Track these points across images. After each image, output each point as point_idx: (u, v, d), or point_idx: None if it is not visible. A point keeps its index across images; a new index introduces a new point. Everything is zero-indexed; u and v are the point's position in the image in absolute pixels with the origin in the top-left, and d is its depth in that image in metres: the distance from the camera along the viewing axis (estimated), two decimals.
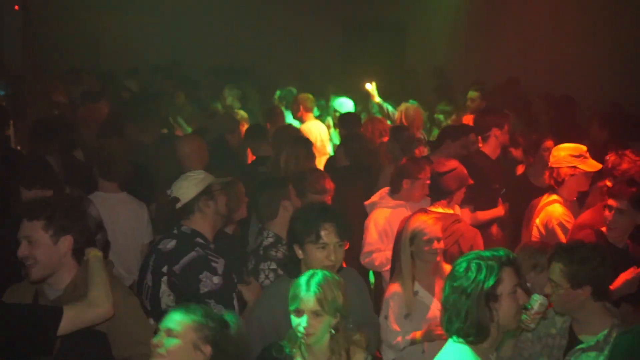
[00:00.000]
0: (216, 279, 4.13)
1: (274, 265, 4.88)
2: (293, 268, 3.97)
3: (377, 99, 9.93)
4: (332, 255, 3.85)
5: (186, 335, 3.16)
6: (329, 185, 5.82)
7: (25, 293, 3.66)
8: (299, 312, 3.40)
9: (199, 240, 4.29)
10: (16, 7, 13.29)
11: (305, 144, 6.93)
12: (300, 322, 3.39)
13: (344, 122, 8.57)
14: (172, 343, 3.14)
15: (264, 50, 14.55)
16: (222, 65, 13.14)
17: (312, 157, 6.90)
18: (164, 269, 4.23)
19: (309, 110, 9.43)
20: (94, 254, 3.67)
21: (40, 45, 12.79)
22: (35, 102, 9.31)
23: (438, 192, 5.55)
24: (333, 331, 3.42)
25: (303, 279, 3.45)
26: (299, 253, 3.93)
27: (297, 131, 8.18)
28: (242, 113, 9.65)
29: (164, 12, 14.62)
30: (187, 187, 4.38)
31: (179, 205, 4.35)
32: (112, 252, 5.35)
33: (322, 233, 3.85)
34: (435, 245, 4.73)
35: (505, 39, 13.15)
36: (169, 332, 3.17)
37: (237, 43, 14.58)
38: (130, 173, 5.99)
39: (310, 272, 3.49)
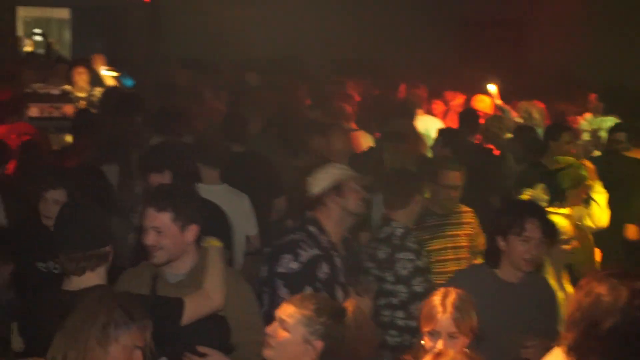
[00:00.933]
0: (295, 265, 4.20)
1: (411, 256, 4.91)
2: (493, 259, 4.13)
3: (498, 100, 9.71)
4: (533, 251, 4.01)
5: (296, 329, 3.14)
6: (459, 179, 5.73)
7: (143, 276, 3.73)
8: (434, 334, 3.35)
9: (311, 228, 4.35)
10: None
11: (410, 138, 6.89)
12: (435, 344, 3.32)
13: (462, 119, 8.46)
14: (282, 336, 3.14)
15: (379, 47, 14.46)
16: (343, 59, 13.12)
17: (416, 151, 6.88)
18: None
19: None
20: (213, 243, 3.73)
21: (166, 38, 13.13)
22: (159, 90, 9.53)
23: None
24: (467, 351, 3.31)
25: (437, 299, 3.39)
26: (502, 245, 4.07)
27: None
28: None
29: (287, 4, 14.74)
30: (319, 179, 4.43)
31: (310, 194, 4.44)
32: None
33: (527, 227, 4.00)
34: None
35: None
36: (282, 323, 3.17)
37: (354, 38, 14.55)
38: (231, 162, 5.99)
39: (443, 290, 3.45)
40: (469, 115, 8.57)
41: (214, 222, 4.78)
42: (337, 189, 4.37)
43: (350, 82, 10.46)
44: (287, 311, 3.18)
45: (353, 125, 8.21)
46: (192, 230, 3.63)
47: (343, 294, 4.26)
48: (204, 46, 13.77)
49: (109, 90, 8.81)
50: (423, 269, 4.97)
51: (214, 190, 5.64)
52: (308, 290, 4.15)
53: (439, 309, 3.34)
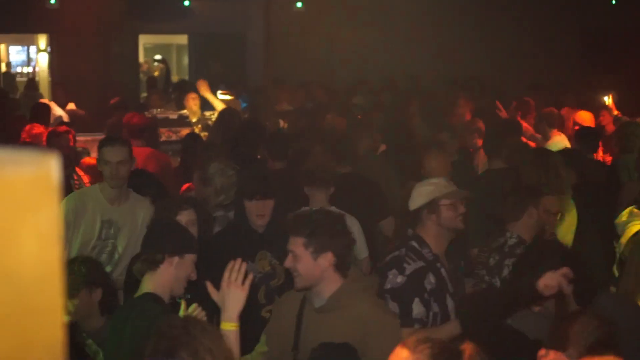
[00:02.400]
0: (400, 279, 4.21)
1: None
2: None
3: (615, 111, 9.34)
4: None
5: None
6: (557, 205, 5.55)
7: (295, 299, 3.82)
8: None
9: (413, 243, 4.35)
10: None
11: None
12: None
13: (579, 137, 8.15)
14: None
15: (494, 61, 14.24)
16: (456, 77, 12.98)
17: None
18: None
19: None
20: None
21: (279, 59, 13.34)
22: (266, 112, 9.69)
23: None
24: None
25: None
26: None
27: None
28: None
29: (398, 26, 14.74)
30: (414, 197, 4.44)
31: (409, 209, 4.45)
32: None
33: None
34: None
35: None
36: None
37: (467, 54, 14.38)
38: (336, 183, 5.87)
39: None
40: (588, 133, 8.26)
41: None
42: (430, 205, 4.35)
43: (463, 101, 10.28)
44: (401, 356, 3.01)
45: (479, 142, 8.05)
46: (327, 258, 3.60)
47: (453, 303, 4.28)
48: (317, 69, 13.92)
49: (222, 114, 8.96)
50: None
51: None
52: (417, 302, 4.16)
53: None
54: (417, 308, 4.19)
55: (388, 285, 4.22)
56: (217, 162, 5.72)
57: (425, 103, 10.90)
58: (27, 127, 8.24)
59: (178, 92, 12.53)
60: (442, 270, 4.35)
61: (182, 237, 3.80)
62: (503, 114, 10.01)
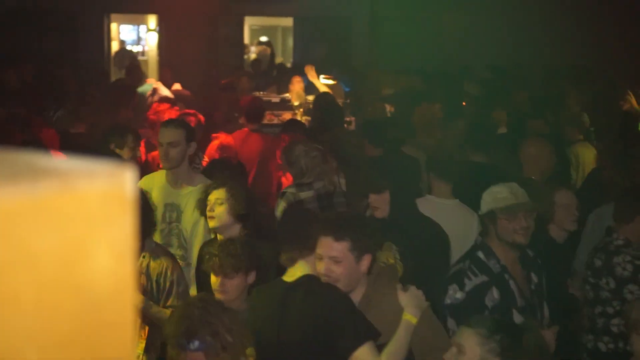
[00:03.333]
0: (460, 294, 4.07)
1: (629, 258, 4.76)
2: None
3: None
4: None
5: (473, 351, 3.13)
6: None
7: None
8: None
9: (480, 254, 4.18)
10: None
11: None
12: None
13: None
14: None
15: (604, 50, 13.73)
16: (563, 65, 12.59)
17: None
18: None
19: None
20: (409, 318, 3.60)
21: (385, 43, 13.24)
22: (369, 97, 9.62)
23: None
24: None
25: None
26: None
27: None
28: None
29: (505, 11, 14.40)
30: (485, 201, 4.24)
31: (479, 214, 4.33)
32: None
33: None
34: None
35: None
36: (460, 348, 3.18)
37: (574, 42, 13.92)
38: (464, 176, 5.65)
39: None
40: None
41: (430, 243, 4.69)
42: (489, 216, 4.19)
43: (570, 91, 9.95)
44: (463, 334, 3.23)
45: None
46: (367, 260, 3.58)
47: (522, 318, 4.06)
48: (422, 55, 13.74)
49: (318, 98, 8.93)
50: None
51: (443, 205, 5.34)
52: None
53: None
54: None
55: (448, 301, 4.11)
56: (301, 144, 5.87)
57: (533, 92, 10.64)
58: (154, 105, 8.36)
59: (280, 75, 12.60)
60: (511, 282, 4.13)
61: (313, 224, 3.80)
62: (628, 105, 9.56)
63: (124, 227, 0.76)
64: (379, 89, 10.54)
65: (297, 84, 10.45)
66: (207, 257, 4.21)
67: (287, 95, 10.59)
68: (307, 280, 3.60)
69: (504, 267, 4.14)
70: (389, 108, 9.32)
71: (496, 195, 4.17)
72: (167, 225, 5.31)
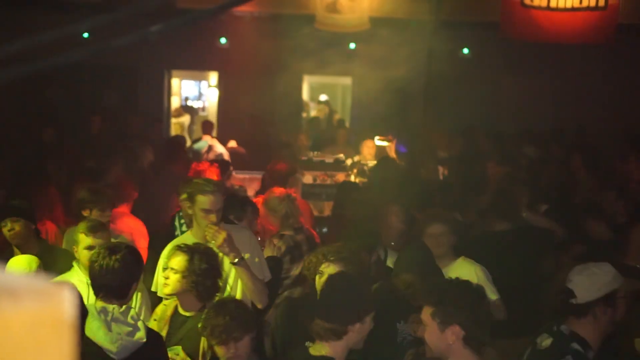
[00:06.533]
0: None
1: None
2: None
3: None
4: None
5: None
6: None
7: None
8: None
9: (576, 346, 3.77)
10: None
11: None
12: None
13: None
14: None
15: None
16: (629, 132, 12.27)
17: None
18: None
19: None
20: None
21: (440, 105, 13.12)
22: (425, 159, 9.50)
23: None
24: None
25: None
26: None
27: None
28: None
29: (566, 75, 14.20)
30: (589, 288, 3.80)
31: (573, 301, 3.82)
32: None
33: None
34: None
35: None
36: None
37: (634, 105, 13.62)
38: None
39: None
40: None
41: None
42: (608, 298, 3.78)
43: (633, 157, 9.65)
44: None
45: None
46: (453, 331, 3.30)
47: None
48: (478, 116, 13.59)
49: (381, 161, 8.86)
50: None
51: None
52: None
53: None
54: None
55: None
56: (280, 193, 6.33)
57: (591, 157, 10.34)
58: (194, 165, 8.39)
59: (340, 132, 12.57)
60: None
61: (360, 301, 3.69)
62: None
63: (58, 357, 0.64)
64: (434, 151, 10.41)
65: (366, 149, 10.53)
66: None
67: (340, 155, 10.51)
68: None
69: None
70: (441, 170, 9.18)
71: (608, 276, 3.82)
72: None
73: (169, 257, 4.56)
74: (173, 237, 5.79)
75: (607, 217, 6.55)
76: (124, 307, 3.95)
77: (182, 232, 5.98)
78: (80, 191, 6.10)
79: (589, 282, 3.80)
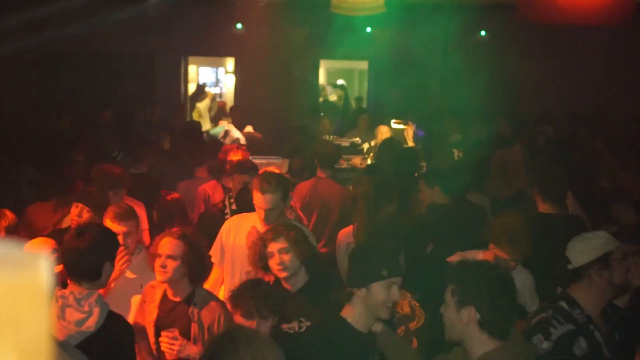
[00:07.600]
0: (546, 344, 3.81)
1: None
2: None
3: None
4: None
5: None
6: None
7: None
8: None
9: (562, 303, 3.95)
10: None
11: None
12: None
13: None
14: None
15: None
16: None
17: None
18: None
19: None
20: None
21: (457, 88, 13.05)
22: (440, 142, 9.47)
23: None
24: None
25: None
26: None
27: None
28: None
29: (583, 58, 14.08)
30: (582, 251, 3.96)
31: (569, 267, 3.97)
32: None
33: None
34: None
35: None
36: None
37: None
38: None
39: None
40: None
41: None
42: (603, 260, 3.92)
43: None
44: None
45: None
46: (468, 312, 3.25)
47: None
48: (496, 100, 13.52)
49: (385, 143, 8.79)
50: None
51: None
52: None
53: None
54: None
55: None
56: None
57: (613, 139, 10.26)
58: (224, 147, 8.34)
59: (360, 118, 12.53)
60: (597, 333, 3.90)
61: (366, 267, 3.71)
62: None
63: (36, 327, 0.64)
64: (448, 134, 10.36)
65: (380, 135, 10.44)
66: None
67: (357, 139, 10.48)
68: None
69: (589, 317, 3.93)
70: (457, 153, 9.13)
71: (603, 240, 3.98)
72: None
73: (164, 245, 4.52)
74: (223, 215, 6.22)
75: (634, 202, 6.49)
76: (87, 291, 3.86)
77: (232, 211, 6.29)
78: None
79: (582, 246, 3.98)
